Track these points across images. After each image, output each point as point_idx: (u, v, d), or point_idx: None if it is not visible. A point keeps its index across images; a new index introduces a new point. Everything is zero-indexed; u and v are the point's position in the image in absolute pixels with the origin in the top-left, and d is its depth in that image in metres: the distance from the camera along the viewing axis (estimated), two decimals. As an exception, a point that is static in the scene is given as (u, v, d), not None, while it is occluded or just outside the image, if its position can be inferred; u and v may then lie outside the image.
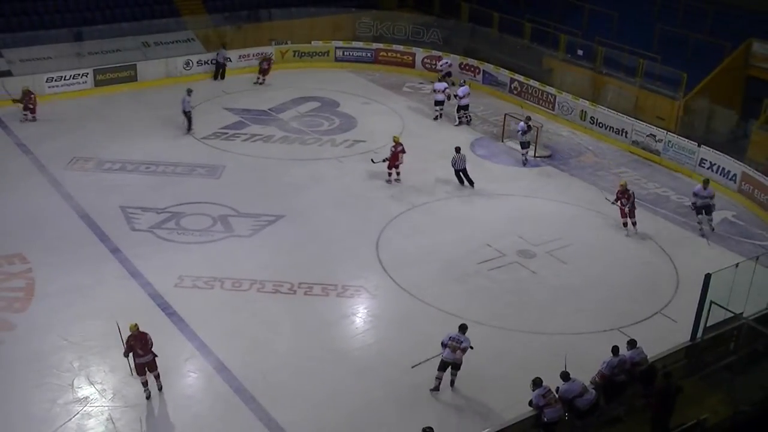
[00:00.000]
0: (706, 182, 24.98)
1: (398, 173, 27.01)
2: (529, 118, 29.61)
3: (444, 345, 17.34)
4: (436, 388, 17.37)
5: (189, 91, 30.43)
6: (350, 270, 22.00)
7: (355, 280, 21.47)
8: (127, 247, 22.25)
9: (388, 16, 41.55)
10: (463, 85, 32.97)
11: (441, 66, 36.55)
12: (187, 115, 30.27)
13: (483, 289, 21.42)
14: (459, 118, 32.60)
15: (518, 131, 29.20)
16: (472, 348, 17.33)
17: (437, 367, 17.33)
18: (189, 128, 30.34)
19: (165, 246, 22.57)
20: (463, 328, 17.61)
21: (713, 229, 24.97)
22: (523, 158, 29.31)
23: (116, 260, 21.72)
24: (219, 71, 36.44)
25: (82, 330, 18.81)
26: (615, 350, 16.48)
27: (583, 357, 17.44)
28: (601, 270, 22.54)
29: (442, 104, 32.86)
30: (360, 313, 20.37)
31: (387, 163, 26.93)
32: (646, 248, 23.90)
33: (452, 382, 17.56)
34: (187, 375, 17.77)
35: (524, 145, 29.18)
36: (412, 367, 17.73)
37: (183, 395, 17.24)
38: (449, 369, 17.38)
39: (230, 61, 36.63)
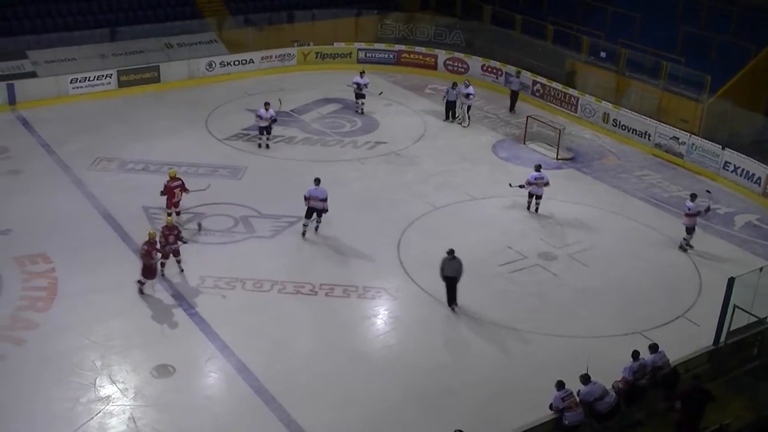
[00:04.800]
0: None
1: (178, 212, 23.92)
2: (709, 209, 24.13)
3: (530, 183, 25.01)
4: (529, 207, 25.45)
5: (454, 84, 32.97)
6: (371, 271, 22.00)
7: (376, 281, 21.46)
8: (149, 248, 22.35)
9: (410, 17, 41.54)
10: (468, 86, 32.97)
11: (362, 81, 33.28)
12: (449, 105, 32.91)
13: (504, 291, 21.38)
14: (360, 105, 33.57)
15: (688, 210, 23.58)
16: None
17: (528, 195, 25.24)
18: (453, 116, 32.98)
19: (187, 246, 22.55)
20: (538, 168, 25.23)
21: None
22: (684, 243, 23.84)
23: (139, 260, 21.79)
24: (513, 100, 34.80)
25: (104, 329, 18.92)
26: (635, 355, 16.38)
27: (604, 360, 17.34)
28: (622, 273, 22.42)
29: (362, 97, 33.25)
30: (381, 315, 20.37)
31: (165, 199, 23.87)
32: (668, 252, 23.75)
33: (537, 209, 25.30)
34: (208, 375, 17.83)
35: (690, 230, 23.76)
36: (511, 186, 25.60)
37: (204, 395, 17.31)
38: (534, 198, 25.23)
39: (527, 87, 35.45)
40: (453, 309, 20.30)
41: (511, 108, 34.57)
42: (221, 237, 23.23)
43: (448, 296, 20.34)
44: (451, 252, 20.08)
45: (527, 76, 35.36)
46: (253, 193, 25.79)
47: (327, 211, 23.50)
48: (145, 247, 20.20)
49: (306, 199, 23.29)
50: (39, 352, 18.07)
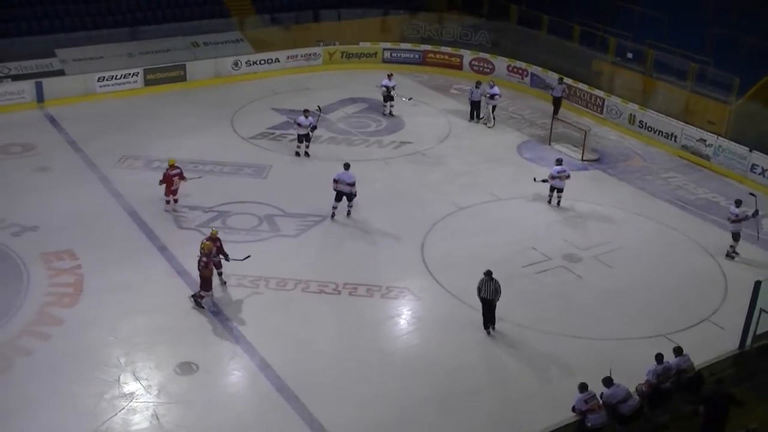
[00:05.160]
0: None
1: (176, 200, 24.46)
2: (757, 212, 23.56)
3: (553, 177, 25.46)
4: (550, 201, 25.89)
5: (478, 83, 33.10)
6: (395, 271, 21.99)
7: (399, 281, 21.45)
8: (174, 246, 22.45)
9: (436, 17, 41.48)
10: (494, 86, 32.86)
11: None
12: (474, 105, 32.98)
13: (528, 292, 21.29)
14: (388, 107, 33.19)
15: (735, 216, 23.35)
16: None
17: (549, 189, 25.78)
18: (478, 117, 33.03)
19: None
20: (559, 162, 25.99)
21: None
22: (731, 250, 23.39)
23: (163, 258, 21.94)
24: (557, 107, 33.98)
25: (129, 326, 19.03)
26: (659, 358, 16.30)
27: (628, 363, 17.22)
28: (647, 275, 22.27)
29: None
30: (404, 315, 20.36)
31: (164, 188, 24.30)
32: (694, 254, 23.59)
33: (558, 202, 25.69)
34: (231, 373, 17.90)
35: (736, 236, 23.38)
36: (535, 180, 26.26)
37: (226, 393, 17.39)
38: (555, 191, 25.70)
39: (565, 94, 34.27)
40: (488, 332, 19.38)
41: (554, 114, 33.48)
42: (245, 235, 23.29)
43: (484, 318, 19.35)
44: (488, 273, 19.10)
45: (553, 77, 35.23)
46: (277, 192, 25.84)
47: (356, 195, 24.02)
48: (204, 260, 19.50)
49: (335, 181, 23.90)
50: (64, 348, 18.20)
